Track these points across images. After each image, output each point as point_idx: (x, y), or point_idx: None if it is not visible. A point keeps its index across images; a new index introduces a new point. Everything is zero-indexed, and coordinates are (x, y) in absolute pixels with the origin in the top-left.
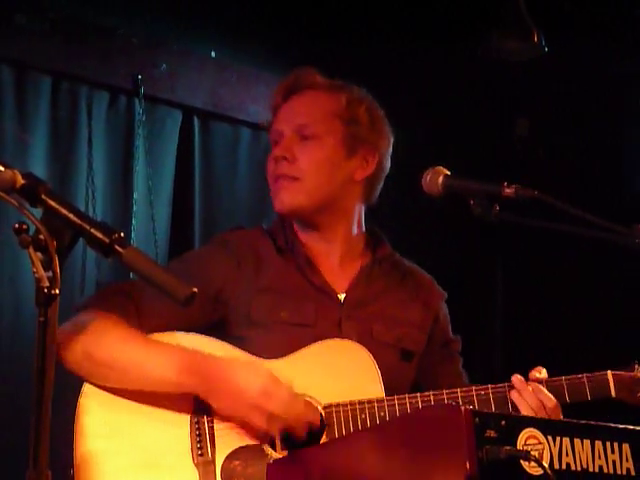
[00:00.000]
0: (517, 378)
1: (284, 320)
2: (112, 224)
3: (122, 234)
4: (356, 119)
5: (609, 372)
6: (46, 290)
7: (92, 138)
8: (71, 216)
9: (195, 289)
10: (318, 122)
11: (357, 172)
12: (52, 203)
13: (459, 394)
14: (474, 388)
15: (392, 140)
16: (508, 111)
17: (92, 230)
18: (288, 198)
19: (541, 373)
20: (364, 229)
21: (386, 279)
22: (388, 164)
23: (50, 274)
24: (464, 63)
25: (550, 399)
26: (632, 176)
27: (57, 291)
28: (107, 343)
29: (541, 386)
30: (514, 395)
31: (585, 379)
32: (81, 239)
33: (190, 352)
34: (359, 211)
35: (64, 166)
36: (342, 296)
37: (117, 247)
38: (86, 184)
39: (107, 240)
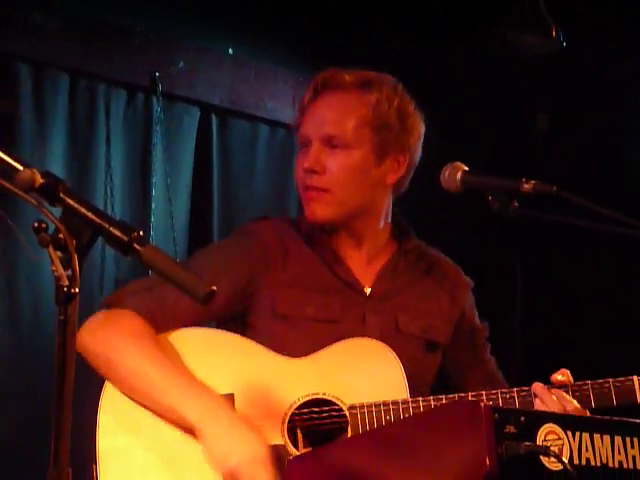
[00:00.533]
0: (539, 386)
1: (309, 316)
2: (131, 222)
3: (141, 232)
4: (386, 123)
5: (635, 378)
6: (66, 289)
7: (110, 136)
8: (90, 215)
9: (214, 287)
10: (347, 132)
11: (388, 176)
12: (71, 202)
13: (484, 397)
14: (500, 391)
15: (424, 130)
16: (527, 107)
17: (111, 229)
18: (320, 210)
19: (564, 375)
20: (390, 219)
21: (412, 271)
22: (419, 156)
23: (69, 273)
24: (482, 58)
25: (570, 402)
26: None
27: (77, 290)
28: (126, 355)
29: (563, 392)
30: (537, 403)
31: (611, 385)
32: (100, 237)
33: (196, 382)
34: (388, 204)
35: (82, 164)
36: (368, 290)
37: (136, 245)
38: (104, 182)
39: (126, 238)
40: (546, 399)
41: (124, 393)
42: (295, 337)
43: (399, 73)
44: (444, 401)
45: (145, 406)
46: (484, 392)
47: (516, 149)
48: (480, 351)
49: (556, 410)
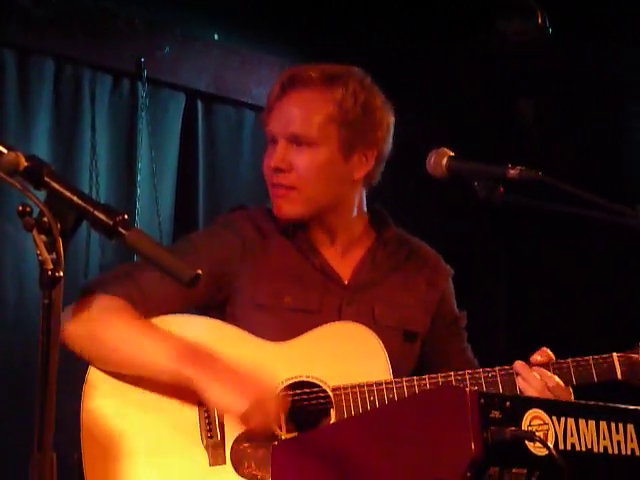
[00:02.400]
0: (520, 364)
1: (287, 306)
2: (116, 208)
3: (126, 216)
4: (352, 119)
5: (614, 354)
6: (50, 272)
7: (95, 122)
8: (75, 198)
9: (199, 271)
10: (312, 130)
11: (356, 171)
12: (55, 185)
13: (467, 376)
14: (482, 370)
15: (392, 121)
16: (512, 93)
17: (96, 212)
18: (286, 207)
19: (543, 356)
20: (365, 209)
21: (391, 260)
22: (389, 148)
23: (54, 256)
24: (468, 46)
25: (551, 378)
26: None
27: (61, 273)
28: (111, 327)
29: (544, 369)
30: (519, 381)
31: (591, 361)
32: (85, 222)
33: (188, 342)
34: (360, 196)
35: (67, 150)
36: (346, 281)
37: (120, 229)
38: (89, 168)
39: (111, 222)
40: (528, 377)
41: (113, 369)
42: (273, 327)
43: (384, 59)
44: (427, 381)
45: (135, 375)
46: (467, 371)
47: (502, 136)
48: (458, 339)
49: (538, 387)
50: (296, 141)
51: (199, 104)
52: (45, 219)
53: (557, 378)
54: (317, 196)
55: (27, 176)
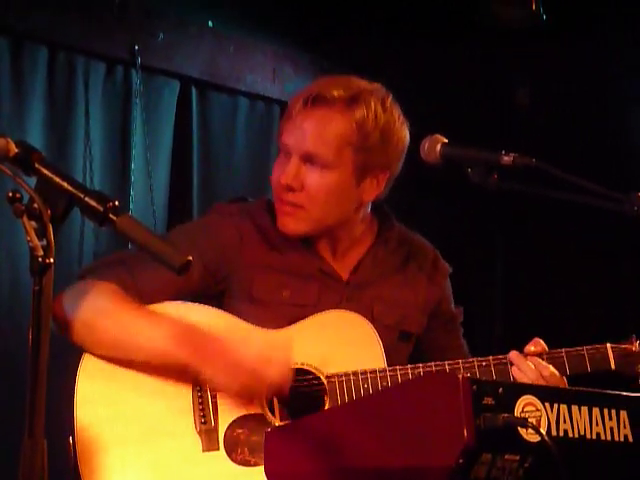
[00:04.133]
0: (515, 354)
1: (285, 300)
2: (110, 195)
3: (117, 202)
4: (369, 144)
5: (608, 345)
6: (40, 259)
7: (89, 109)
8: (65, 184)
9: (190, 257)
10: (328, 152)
11: (366, 194)
12: (46, 171)
13: (461, 365)
14: (476, 359)
15: (408, 141)
16: (509, 80)
17: (86, 198)
18: (292, 225)
19: (536, 346)
20: (369, 210)
21: (391, 259)
22: (400, 167)
23: (44, 243)
24: (464, 32)
25: (546, 367)
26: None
27: (51, 260)
28: (104, 311)
29: (539, 359)
30: (514, 371)
31: (585, 351)
32: (77, 209)
33: (182, 324)
34: (365, 211)
35: (61, 138)
36: (346, 280)
37: (111, 215)
38: (83, 156)
39: (101, 208)
40: (522, 366)
41: (106, 353)
42: (270, 320)
43: (380, 45)
44: (421, 369)
45: (130, 359)
46: (460, 361)
47: (498, 123)
48: (454, 336)
49: (532, 376)
50: (310, 160)
51: (193, 91)
52: (35, 205)
53: (552, 368)
54: (324, 217)
55: (17, 162)
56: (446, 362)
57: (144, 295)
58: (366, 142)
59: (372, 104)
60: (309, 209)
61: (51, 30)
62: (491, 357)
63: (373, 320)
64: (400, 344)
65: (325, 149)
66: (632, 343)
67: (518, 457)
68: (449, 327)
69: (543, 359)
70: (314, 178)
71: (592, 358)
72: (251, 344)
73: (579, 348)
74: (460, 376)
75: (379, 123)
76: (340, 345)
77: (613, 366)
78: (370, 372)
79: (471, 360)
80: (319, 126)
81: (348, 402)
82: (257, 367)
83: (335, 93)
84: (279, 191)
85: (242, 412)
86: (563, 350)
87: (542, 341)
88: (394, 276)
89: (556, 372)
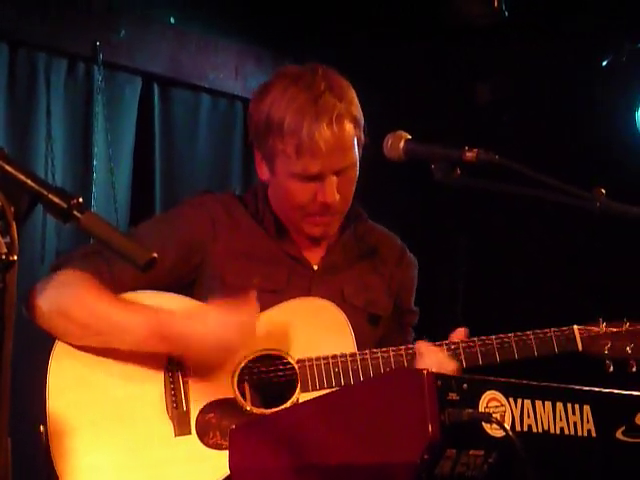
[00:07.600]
0: (423, 344)
1: (256, 286)
2: (72, 192)
3: (80, 199)
4: (362, 133)
5: (575, 327)
6: (4, 256)
7: (51, 106)
8: (28, 181)
9: (155, 254)
10: (353, 155)
11: None
12: (8, 168)
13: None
14: (390, 349)
15: None
16: (470, 78)
17: (50, 195)
18: (324, 231)
19: (461, 335)
20: None
21: (359, 248)
22: None
23: (8, 240)
24: (426, 30)
25: (447, 359)
26: (599, 142)
27: (15, 257)
28: (82, 302)
29: (444, 348)
30: (417, 360)
31: (552, 333)
32: (39, 206)
33: (156, 315)
34: None
35: (23, 135)
36: (316, 266)
37: (75, 212)
38: (45, 152)
39: (65, 205)
40: (425, 357)
41: (81, 342)
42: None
43: (342, 43)
44: (390, 353)
45: (103, 346)
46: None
47: (460, 119)
48: (406, 332)
49: (433, 365)
50: (343, 170)
51: (155, 88)
52: None
53: (454, 362)
54: (346, 211)
55: None
56: (410, 346)
57: (119, 284)
58: (363, 135)
59: (359, 111)
60: (341, 213)
61: (12, 27)
62: (403, 347)
63: (343, 301)
64: (369, 327)
65: (351, 154)
66: (599, 325)
67: (482, 452)
68: (404, 321)
69: (459, 347)
70: (345, 183)
71: (559, 340)
72: (203, 320)
73: (546, 330)
74: (425, 372)
75: (360, 111)
76: (312, 331)
77: (580, 347)
78: (340, 356)
79: (386, 350)
80: (340, 139)
81: (313, 399)
82: (220, 336)
83: (337, 104)
84: (316, 211)
85: (214, 397)
86: (531, 332)
87: (464, 330)
88: (362, 262)
89: (451, 361)
